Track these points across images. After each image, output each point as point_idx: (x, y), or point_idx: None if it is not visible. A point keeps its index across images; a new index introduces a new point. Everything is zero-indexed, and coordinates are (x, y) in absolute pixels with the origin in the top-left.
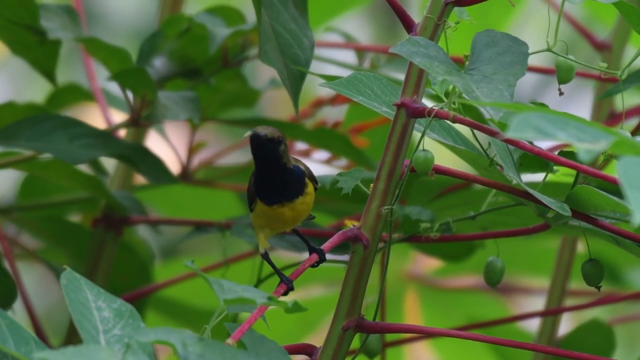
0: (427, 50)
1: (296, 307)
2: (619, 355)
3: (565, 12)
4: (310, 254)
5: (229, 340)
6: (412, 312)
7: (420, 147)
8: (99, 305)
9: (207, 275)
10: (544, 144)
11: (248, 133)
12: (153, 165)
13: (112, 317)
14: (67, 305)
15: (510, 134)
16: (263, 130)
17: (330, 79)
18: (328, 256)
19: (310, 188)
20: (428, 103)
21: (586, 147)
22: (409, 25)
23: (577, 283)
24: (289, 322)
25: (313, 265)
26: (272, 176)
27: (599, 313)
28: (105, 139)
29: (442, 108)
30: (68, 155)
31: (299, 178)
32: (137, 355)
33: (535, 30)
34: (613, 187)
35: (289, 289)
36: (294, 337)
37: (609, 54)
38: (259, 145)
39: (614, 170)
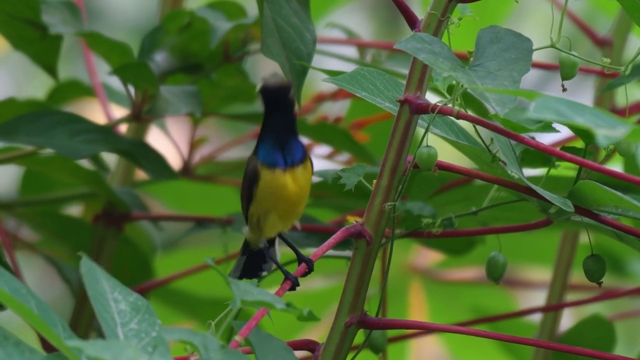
0: (432, 46)
1: (310, 316)
2: (619, 351)
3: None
4: (299, 263)
5: (237, 338)
6: (417, 304)
7: (424, 143)
8: (115, 297)
9: (223, 273)
10: (545, 140)
11: (259, 86)
12: (154, 161)
13: (128, 311)
14: (67, 300)
15: (531, 115)
16: (273, 80)
17: (333, 74)
18: (331, 252)
19: (309, 164)
20: (430, 97)
21: (605, 133)
22: (412, 21)
23: (578, 276)
24: (290, 315)
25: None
26: (280, 132)
27: (600, 307)
28: (106, 134)
29: (445, 104)
30: (69, 150)
31: (301, 143)
32: (165, 356)
33: (534, 26)
34: (615, 182)
35: (295, 284)
36: (295, 329)
37: (609, 50)
38: (271, 96)
39: (616, 166)
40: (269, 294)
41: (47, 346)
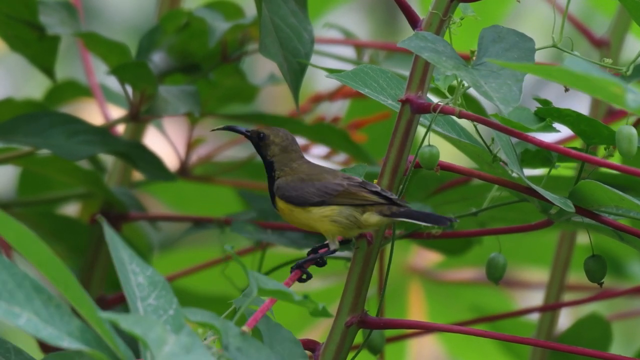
0: (435, 45)
1: (324, 312)
2: (616, 350)
3: (562, 8)
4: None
5: (245, 327)
6: (416, 304)
7: (425, 143)
8: (133, 268)
9: (246, 265)
10: (547, 138)
11: None
12: (151, 163)
13: (146, 285)
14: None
15: (566, 65)
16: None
17: (333, 72)
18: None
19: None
20: (431, 98)
21: (633, 97)
22: (414, 21)
23: (575, 276)
24: (292, 313)
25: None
26: None
27: (597, 307)
28: (103, 135)
29: (447, 103)
30: (66, 151)
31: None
32: (192, 337)
33: (530, 27)
34: (615, 181)
35: (308, 277)
36: (296, 328)
37: (607, 50)
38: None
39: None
40: (282, 285)
41: (44, 348)
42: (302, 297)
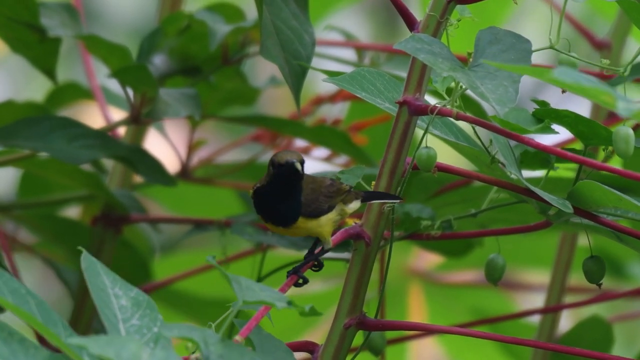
0: (431, 47)
1: (312, 312)
2: (617, 352)
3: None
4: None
5: (237, 337)
6: (416, 307)
7: (423, 144)
8: (116, 292)
9: (227, 272)
10: (545, 140)
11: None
12: (151, 167)
13: (129, 306)
14: (66, 302)
15: (555, 76)
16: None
17: (332, 74)
18: (330, 254)
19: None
20: (429, 99)
21: (624, 105)
22: (411, 23)
23: (576, 278)
24: (291, 317)
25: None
26: None
27: (598, 309)
28: (104, 139)
29: (444, 105)
30: (67, 155)
31: None
32: (167, 350)
33: (532, 27)
34: (614, 182)
35: (305, 282)
36: (295, 331)
37: (608, 53)
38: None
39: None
40: (271, 291)
41: (44, 344)
42: (286, 304)
